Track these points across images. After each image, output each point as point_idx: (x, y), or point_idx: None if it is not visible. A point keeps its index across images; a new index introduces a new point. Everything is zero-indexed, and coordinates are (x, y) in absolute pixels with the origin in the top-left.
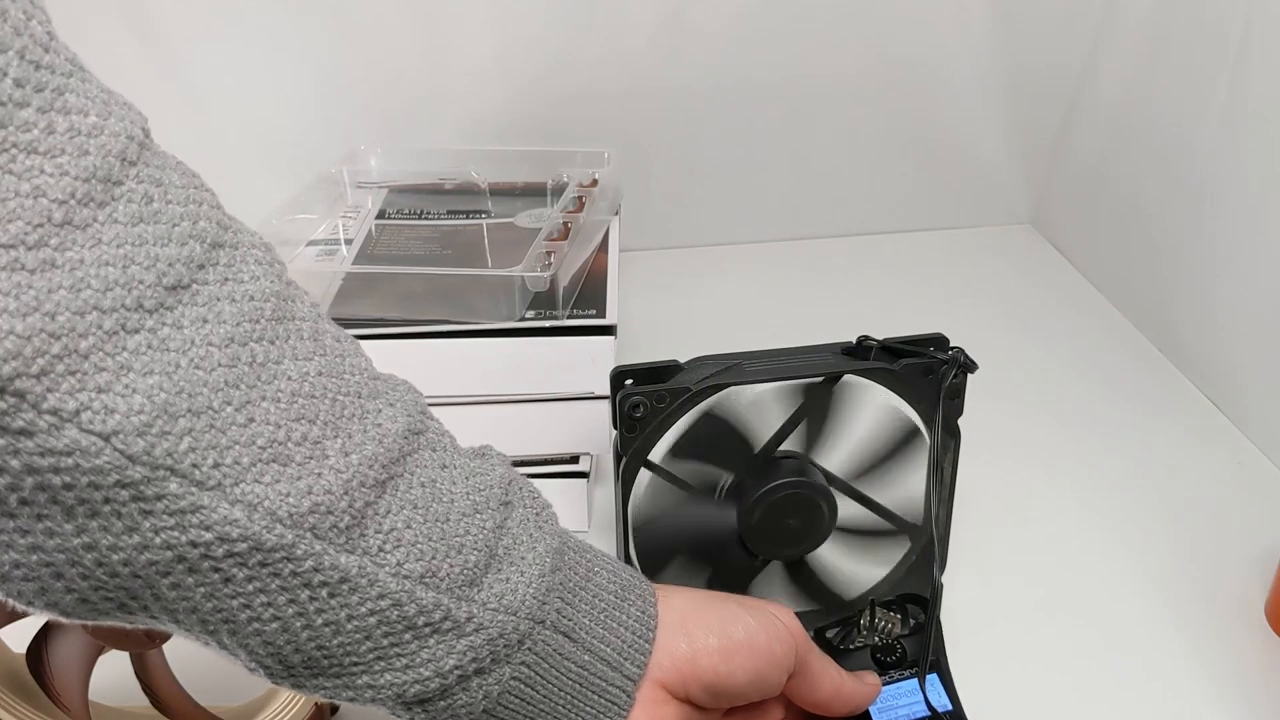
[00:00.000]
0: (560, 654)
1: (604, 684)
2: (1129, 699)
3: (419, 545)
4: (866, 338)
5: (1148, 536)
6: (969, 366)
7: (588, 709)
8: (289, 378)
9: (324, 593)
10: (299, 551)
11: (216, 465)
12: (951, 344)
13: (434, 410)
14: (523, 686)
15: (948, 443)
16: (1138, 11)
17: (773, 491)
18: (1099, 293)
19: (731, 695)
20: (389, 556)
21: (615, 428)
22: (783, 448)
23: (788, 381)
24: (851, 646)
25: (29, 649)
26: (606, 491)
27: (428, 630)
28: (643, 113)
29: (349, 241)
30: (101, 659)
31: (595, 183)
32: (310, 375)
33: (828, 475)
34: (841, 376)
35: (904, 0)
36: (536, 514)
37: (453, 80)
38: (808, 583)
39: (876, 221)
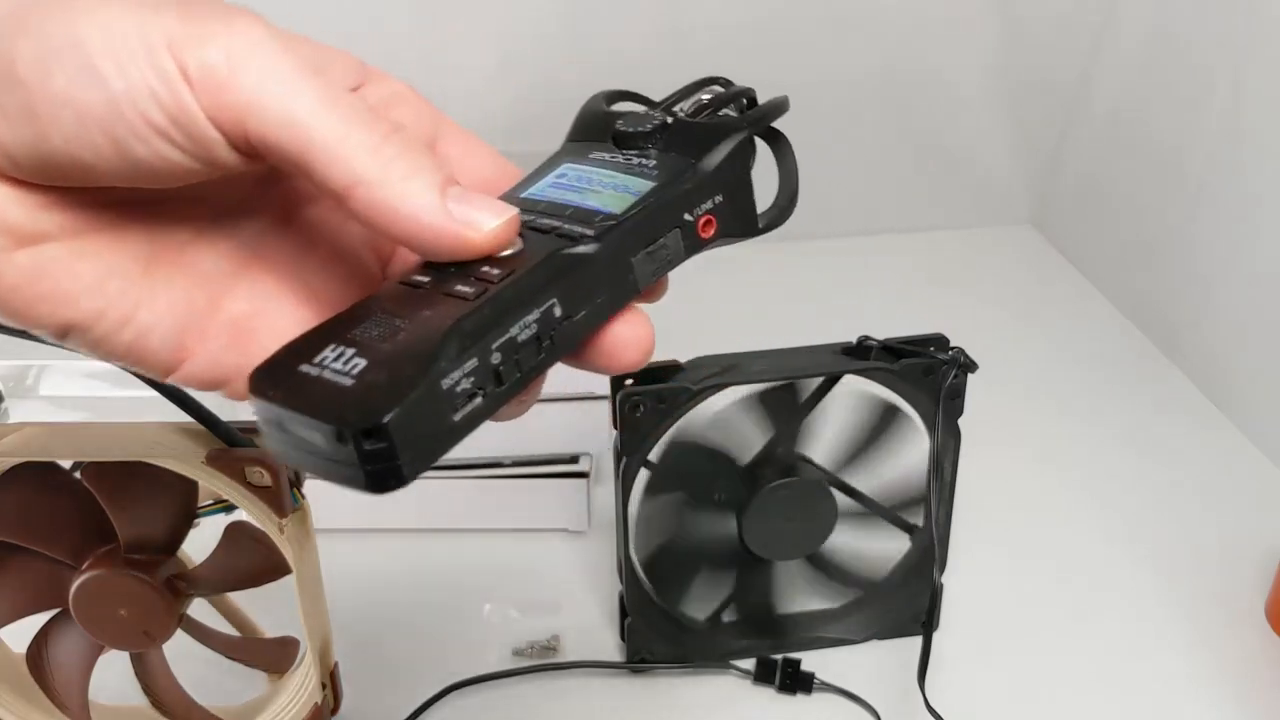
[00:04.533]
0: None
1: None
2: (1129, 698)
3: None
4: (866, 338)
5: (1148, 536)
6: (969, 366)
7: None
8: None
9: None
10: None
11: None
12: (951, 344)
13: None
14: None
15: (948, 443)
16: (1138, 13)
17: (774, 491)
18: (1099, 293)
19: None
20: None
21: (615, 428)
22: (788, 449)
23: (791, 381)
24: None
25: (29, 649)
26: (606, 491)
27: None
28: None
29: None
30: (101, 659)
31: None
32: None
33: (830, 477)
34: (841, 376)
35: (905, 2)
36: None
37: (454, 82)
38: (827, 572)
39: (876, 221)
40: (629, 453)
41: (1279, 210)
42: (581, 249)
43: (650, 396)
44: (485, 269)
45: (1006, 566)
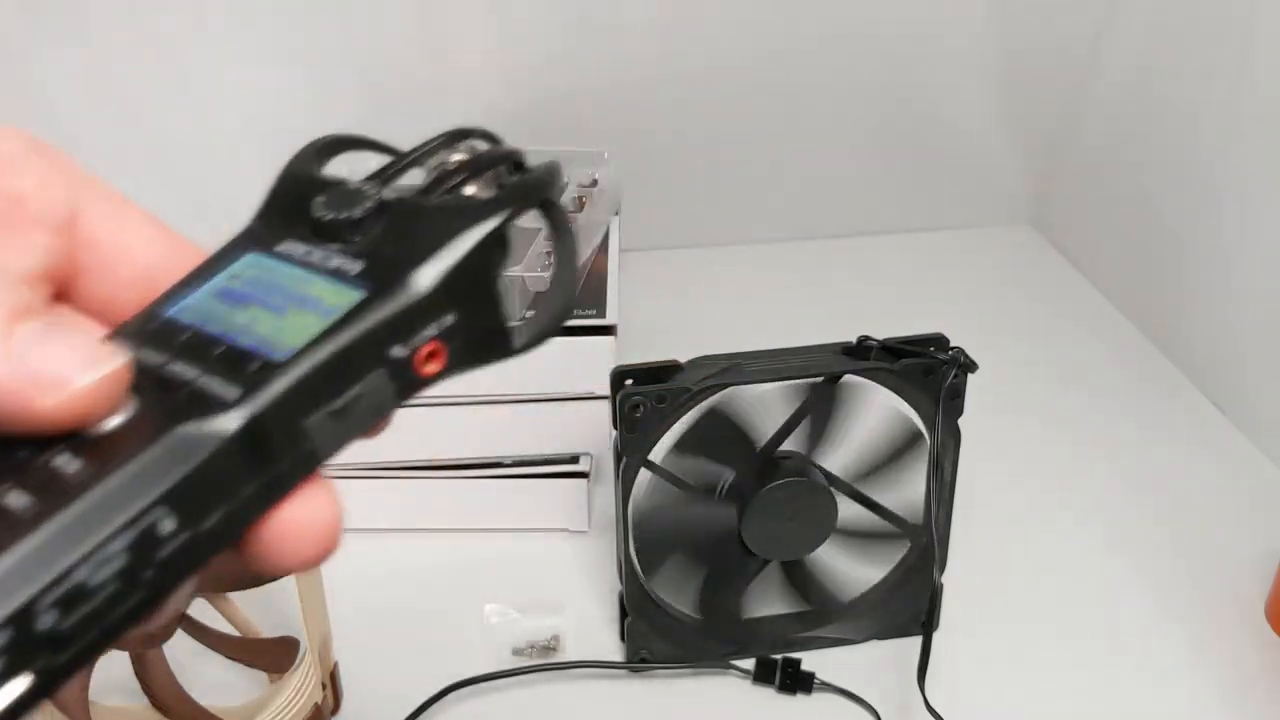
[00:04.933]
0: None
1: None
2: (1129, 699)
3: None
4: (866, 338)
5: (1148, 537)
6: (969, 366)
7: None
8: None
9: None
10: None
11: None
12: (951, 344)
13: (434, 412)
14: None
15: (948, 443)
16: (1139, 13)
17: (773, 491)
18: (1099, 293)
19: None
20: None
21: (615, 428)
22: (784, 448)
23: (789, 381)
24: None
25: None
26: (606, 491)
27: None
28: (642, 112)
29: None
30: (101, 659)
31: (595, 183)
32: None
33: (829, 476)
34: (841, 376)
35: (905, 6)
36: None
37: (451, 79)
38: (805, 584)
39: (876, 221)
40: (629, 453)
41: (1278, 211)
42: (215, 425)
43: (650, 396)
44: (60, 459)
45: (1006, 566)
